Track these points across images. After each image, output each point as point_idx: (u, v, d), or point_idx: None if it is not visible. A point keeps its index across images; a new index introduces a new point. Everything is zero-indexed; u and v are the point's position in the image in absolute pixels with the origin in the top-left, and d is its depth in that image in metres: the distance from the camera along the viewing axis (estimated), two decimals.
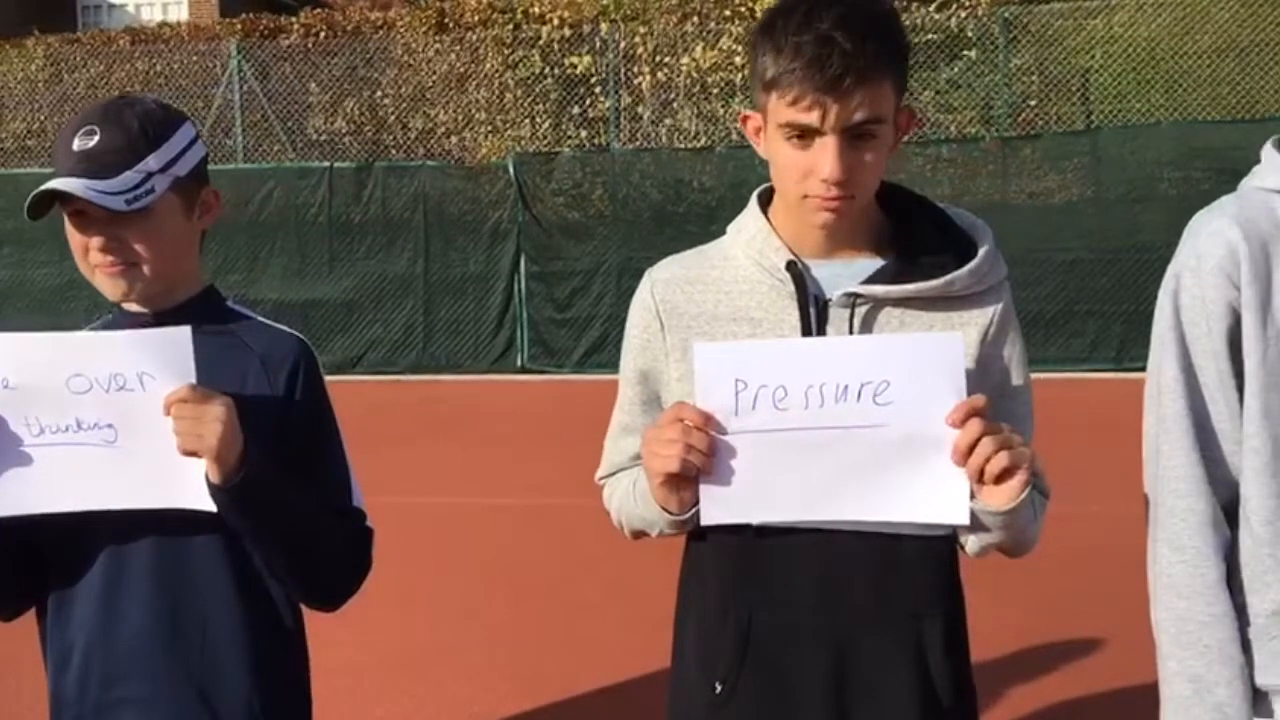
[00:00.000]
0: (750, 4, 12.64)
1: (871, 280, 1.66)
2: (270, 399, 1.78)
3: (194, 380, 1.64)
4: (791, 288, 1.66)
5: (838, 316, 1.66)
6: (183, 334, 1.65)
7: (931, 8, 12.24)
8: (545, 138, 12.97)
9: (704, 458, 1.55)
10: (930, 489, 1.56)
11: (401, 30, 13.33)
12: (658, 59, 12.74)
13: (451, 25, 13.27)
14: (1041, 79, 12.10)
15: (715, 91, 12.70)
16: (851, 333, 1.65)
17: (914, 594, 1.67)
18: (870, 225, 1.71)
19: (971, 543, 1.65)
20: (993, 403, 1.63)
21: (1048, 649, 4.47)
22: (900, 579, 1.66)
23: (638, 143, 12.75)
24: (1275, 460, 1.57)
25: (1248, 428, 1.58)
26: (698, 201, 11.97)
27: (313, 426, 1.83)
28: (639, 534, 1.79)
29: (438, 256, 12.30)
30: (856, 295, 1.65)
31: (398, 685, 4.36)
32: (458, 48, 13.14)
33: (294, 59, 13.30)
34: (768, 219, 1.72)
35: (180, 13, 21.86)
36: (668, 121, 12.81)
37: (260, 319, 1.87)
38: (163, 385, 1.64)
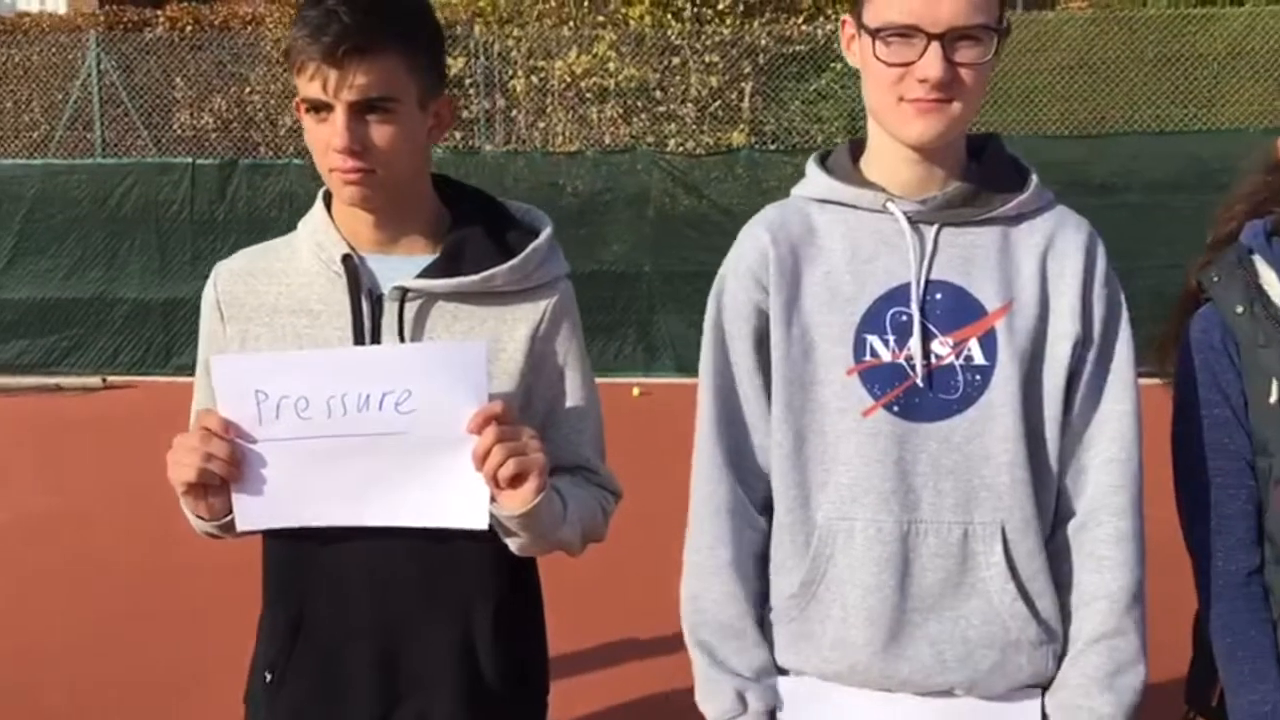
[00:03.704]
0: (623, 10, 12.72)
1: (423, 275, 1.68)
2: None
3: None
4: (345, 281, 1.68)
5: (390, 311, 1.67)
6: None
7: (800, 20, 12.46)
8: None
9: (226, 466, 1.57)
10: (452, 493, 1.59)
11: (271, 26, 13.12)
12: (531, 62, 12.74)
13: None
14: None
15: (589, 96, 12.75)
16: (401, 327, 1.67)
17: (461, 588, 1.70)
18: (430, 219, 1.74)
19: (511, 544, 1.68)
20: (543, 402, 1.68)
21: None
22: (447, 574, 1.69)
23: (511, 145, 12.72)
24: (796, 453, 1.62)
25: (774, 422, 1.64)
26: (569, 205, 11.97)
27: None
28: (209, 534, 1.78)
29: None
30: (406, 290, 1.67)
31: None
32: None
33: (159, 53, 13.01)
34: (330, 214, 1.74)
35: (58, 4, 21.21)
36: (541, 125, 12.81)
37: None
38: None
